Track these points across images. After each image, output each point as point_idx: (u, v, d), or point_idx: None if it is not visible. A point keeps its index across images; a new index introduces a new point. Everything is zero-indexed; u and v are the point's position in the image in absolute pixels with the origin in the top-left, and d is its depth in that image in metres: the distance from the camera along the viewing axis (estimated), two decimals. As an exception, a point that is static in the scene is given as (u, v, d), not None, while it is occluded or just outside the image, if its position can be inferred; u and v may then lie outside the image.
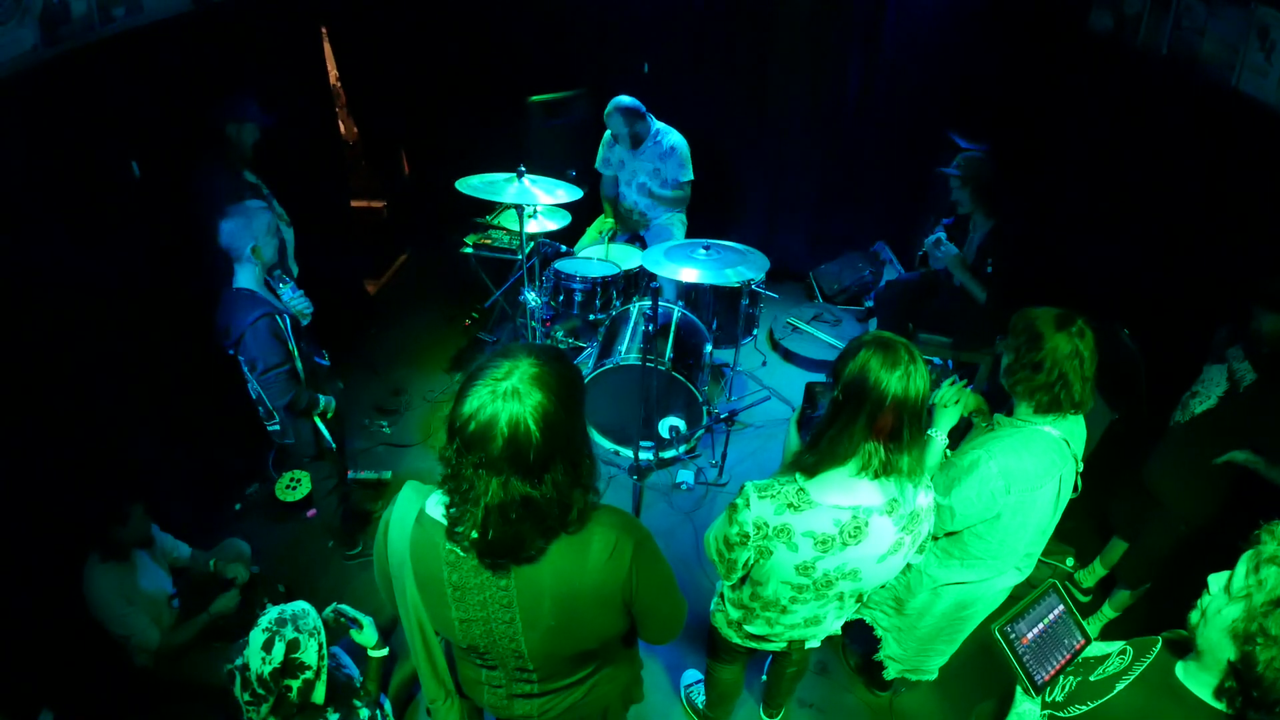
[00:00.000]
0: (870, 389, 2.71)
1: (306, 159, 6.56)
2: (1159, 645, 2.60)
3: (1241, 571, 2.26)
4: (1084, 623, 3.06)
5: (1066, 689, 2.75)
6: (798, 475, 2.96)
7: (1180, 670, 2.42)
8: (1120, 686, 2.54)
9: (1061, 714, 2.68)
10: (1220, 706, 2.31)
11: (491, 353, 2.29)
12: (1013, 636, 2.88)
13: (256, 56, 6.14)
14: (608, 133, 7.66)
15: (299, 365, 4.78)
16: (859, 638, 4.72)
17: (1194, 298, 5.22)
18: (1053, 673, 2.87)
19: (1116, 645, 2.86)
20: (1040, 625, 2.96)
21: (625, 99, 7.26)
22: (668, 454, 6.71)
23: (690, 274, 5.77)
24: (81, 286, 4.63)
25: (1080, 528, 5.88)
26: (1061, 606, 3.05)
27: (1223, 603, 2.29)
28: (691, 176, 7.62)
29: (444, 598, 2.44)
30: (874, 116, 8.63)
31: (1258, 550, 2.23)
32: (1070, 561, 5.76)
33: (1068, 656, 2.93)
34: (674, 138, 7.51)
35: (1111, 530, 5.60)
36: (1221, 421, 4.53)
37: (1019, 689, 2.88)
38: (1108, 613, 5.39)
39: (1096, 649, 2.94)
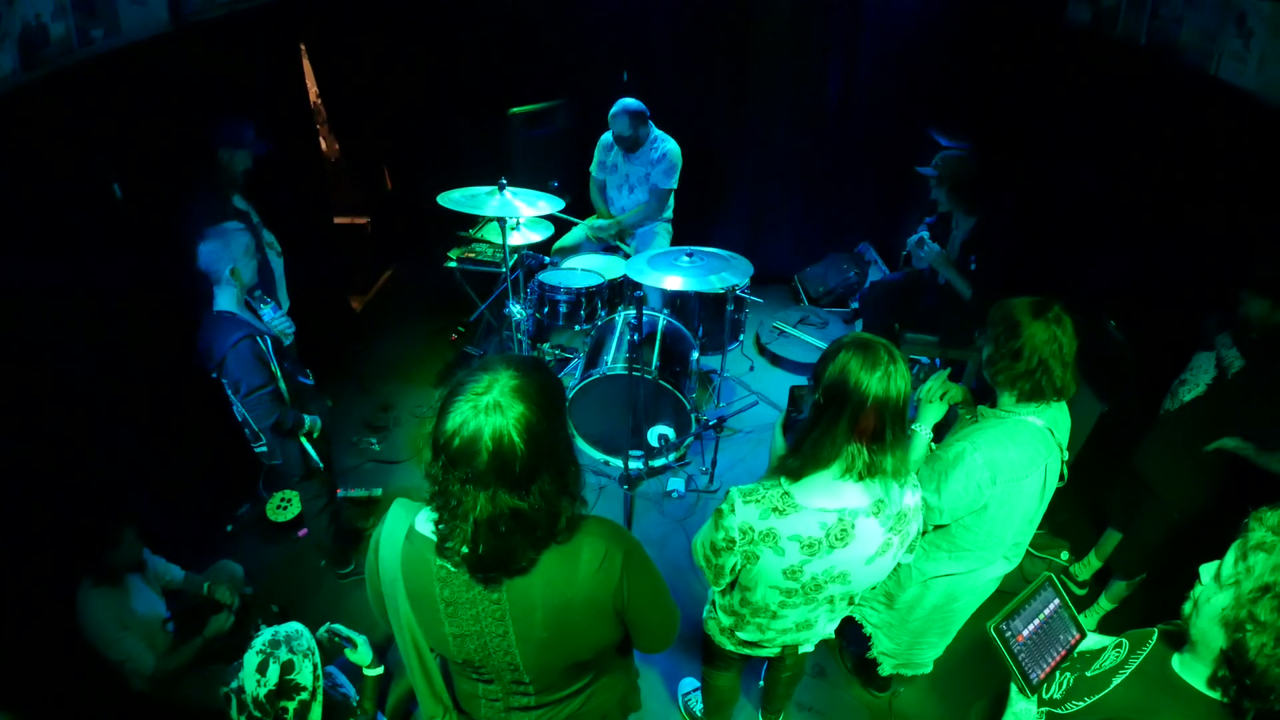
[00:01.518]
0: (851, 391, 2.71)
1: (289, 177, 6.55)
2: (1154, 638, 2.60)
3: (1230, 559, 2.28)
4: (1079, 616, 3.06)
5: (1064, 685, 2.74)
6: (782, 479, 2.96)
7: (1176, 662, 2.43)
8: (1117, 681, 2.54)
9: (1059, 710, 2.67)
10: (1215, 696, 2.31)
11: (470, 367, 2.29)
12: (1008, 634, 2.86)
13: (236, 75, 6.12)
14: (607, 135, 7.58)
15: (282, 386, 4.77)
16: (855, 638, 4.71)
17: (1180, 286, 5.24)
18: (1048, 670, 2.86)
19: (1112, 640, 2.86)
20: (1036, 621, 2.95)
21: (631, 101, 7.22)
22: (658, 463, 6.68)
23: (674, 282, 5.78)
24: (67, 310, 4.62)
25: (1074, 521, 5.90)
26: (1057, 600, 3.03)
27: (1213, 591, 2.30)
28: (674, 185, 7.59)
29: (437, 614, 2.43)
30: (855, 117, 8.68)
31: (1245, 538, 2.25)
32: (1065, 555, 5.77)
33: (1063, 652, 2.92)
34: (669, 145, 7.48)
35: (1105, 522, 5.61)
36: (1211, 408, 4.55)
37: (1014, 687, 2.87)
38: (1104, 605, 5.40)
39: (1092, 642, 2.95)
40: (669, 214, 7.86)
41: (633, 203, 7.76)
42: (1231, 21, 4.74)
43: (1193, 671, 2.38)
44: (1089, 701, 2.57)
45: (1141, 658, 2.55)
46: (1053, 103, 6.65)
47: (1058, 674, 2.84)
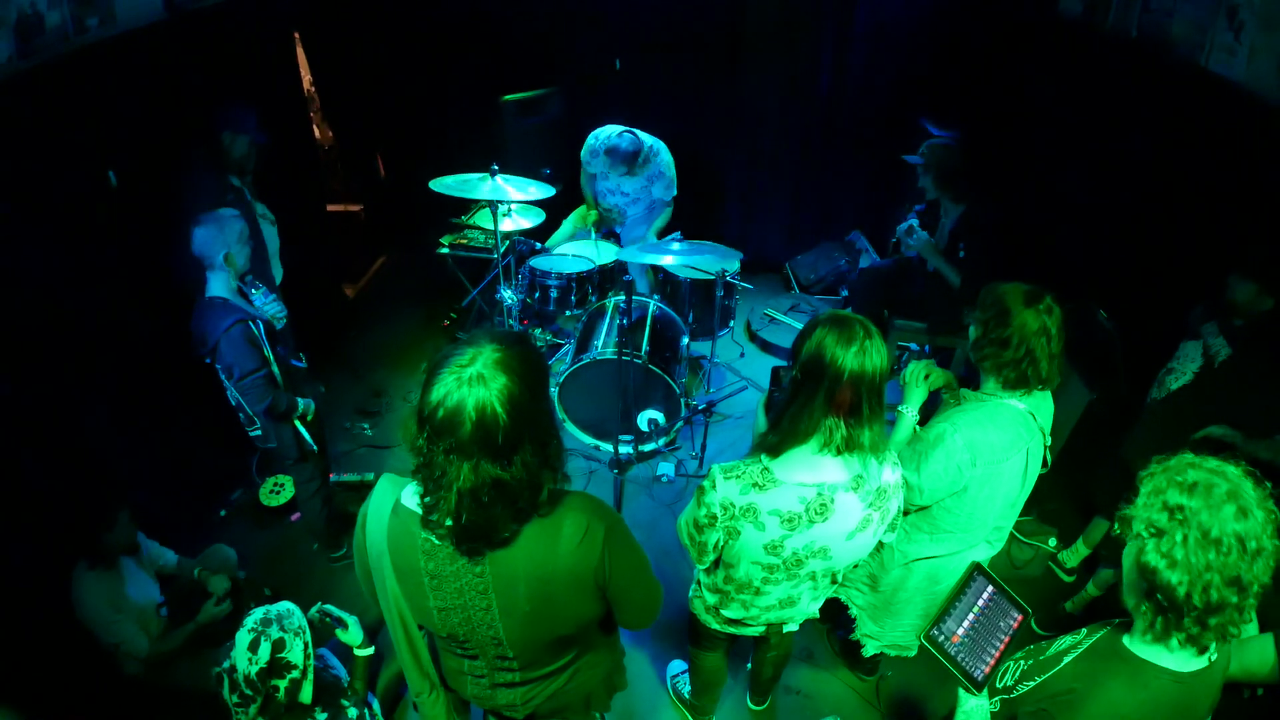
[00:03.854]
0: (827, 366, 2.74)
1: (282, 164, 6.56)
2: (1115, 622, 2.62)
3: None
4: (1019, 597, 3.08)
5: (1018, 671, 2.75)
6: (762, 455, 2.99)
7: (1127, 639, 2.44)
8: (1068, 659, 2.55)
9: (1011, 695, 2.69)
10: (1162, 653, 2.33)
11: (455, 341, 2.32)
12: (941, 639, 2.87)
13: (231, 64, 6.13)
14: (591, 139, 7.44)
15: (275, 370, 4.80)
16: (841, 621, 4.74)
17: (1168, 276, 5.26)
18: (993, 662, 2.86)
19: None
20: (971, 615, 2.96)
21: (623, 143, 7.03)
22: (647, 447, 6.72)
23: (665, 260, 5.81)
24: (62, 296, 4.64)
25: (1062, 508, 5.91)
26: (991, 587, 3.05)
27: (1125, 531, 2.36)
28: (676, 193, 7.57)
29: (422, 587, 2.47)
30: (847, 106, 8.69)
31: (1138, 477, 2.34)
32: (1053, 542, 5.77)
33: (1006, 639, 2.93)
34: (662, 157, 7.41)
35: (1093, 510, 5.64)
36: (1198, 397, 4.58)
37: (960, 690, 2.89)
38: (1091, 591, 5.42)
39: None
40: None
41: (621, 200, 7.75)
42: (1223, 14, 4.76)
43: (1142, 642, 2.39)
44: (1039, 680, 2.57)
45: (1096, 637, 2.57)
46: (1044, 93, 6.66)
47: (1011, 662, 2.85)
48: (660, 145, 7.43)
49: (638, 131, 7.27)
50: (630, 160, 7.11)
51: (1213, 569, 2.14)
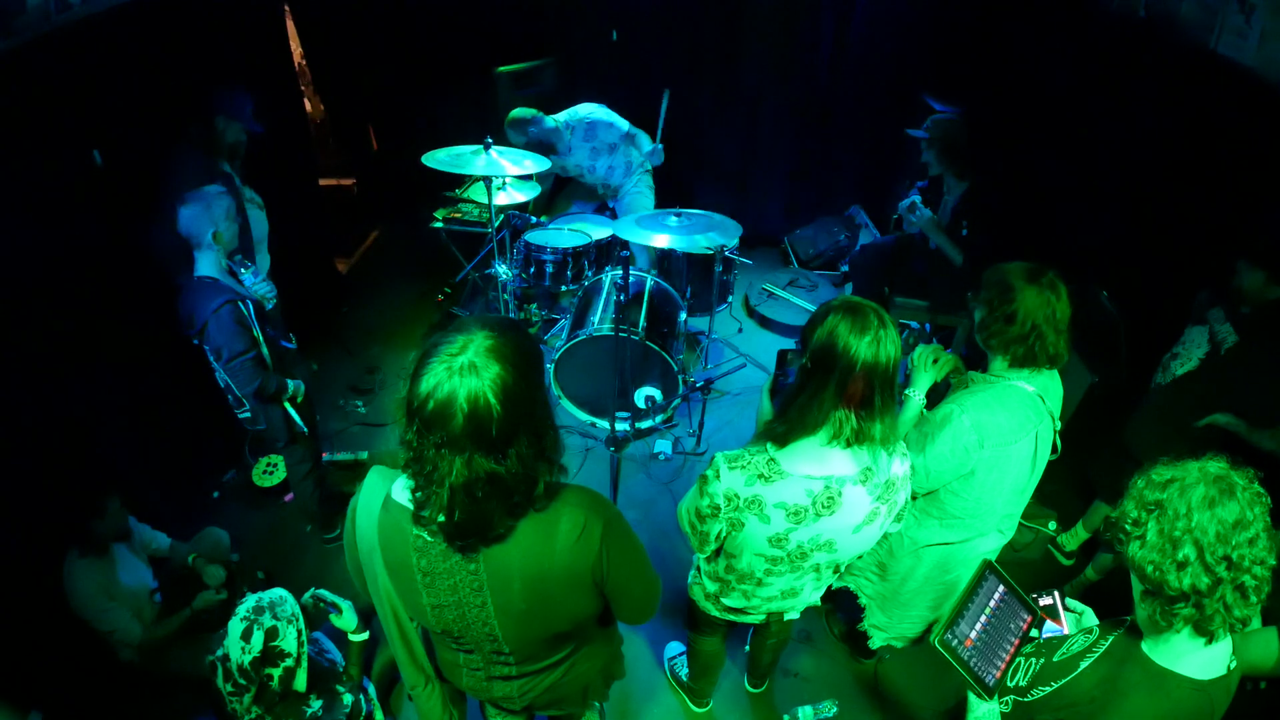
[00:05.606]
0: (839, 355, 2.65)
1: (274, 139, 6.48)
2: (1127, 620, 2.58)
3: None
4: (1028, 597, 3.03)
5: (1030, 671, 2.70)
6: (768, 445, 2.92)
7: (1146, 645, 2.39)
8: (1085, 664, 2.51)
9: (1025, 699, 2.64)
10: (1180, 658, 2.31)
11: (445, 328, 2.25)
12: (955, 643, 2.81)
13: (219, 39, 6.05)
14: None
15: (265, 351, 4.74)
16: (845, 606, 4.70)
17: (1173, 259, 5.22)
18: (1004, 666, 2.82)
19: (1085, 622, 2.86)
20: (983, 618, 2.91)
21: (511, 115, 7.01)
22: (644, 424, 6.64)
23: (662, 240, 5.73)
24: (47, 279, 4.59)
25: (1062, 491, 5.87)
26: (1002, 587, 3.00)
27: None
28: (624, 129, 7.38)
29: (414, 584, 2.41)
30: (848, 79, 8.63)
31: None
32: (1053, 525, 5.75)
33: (1016, 641, 2.89)
34: (580, 114, 7.31)
35: (1093, 493, 5.60)
36: (1203, 384, 4.55)
37: (969, 694, 2.84)
38: (1090, 575, 5.41)
39: (1067, 628, 2.93)
40: (649, 166, 7.70)
41: (598, 167, 7.64)
42: (1233, -3, 4.71)
43: (1160, 647, 2.35)
44: (1055, 686, 2.53)
45: (1111, 640, 2.52)
46: (1049, 72, 6.60)
47: (1021, 659, 2.81)
48: (573, 111, 7.37)
49: (548, 117, 7.18)
50: (515, 130, 7.01)
51: (1188, 546, 2.17)
